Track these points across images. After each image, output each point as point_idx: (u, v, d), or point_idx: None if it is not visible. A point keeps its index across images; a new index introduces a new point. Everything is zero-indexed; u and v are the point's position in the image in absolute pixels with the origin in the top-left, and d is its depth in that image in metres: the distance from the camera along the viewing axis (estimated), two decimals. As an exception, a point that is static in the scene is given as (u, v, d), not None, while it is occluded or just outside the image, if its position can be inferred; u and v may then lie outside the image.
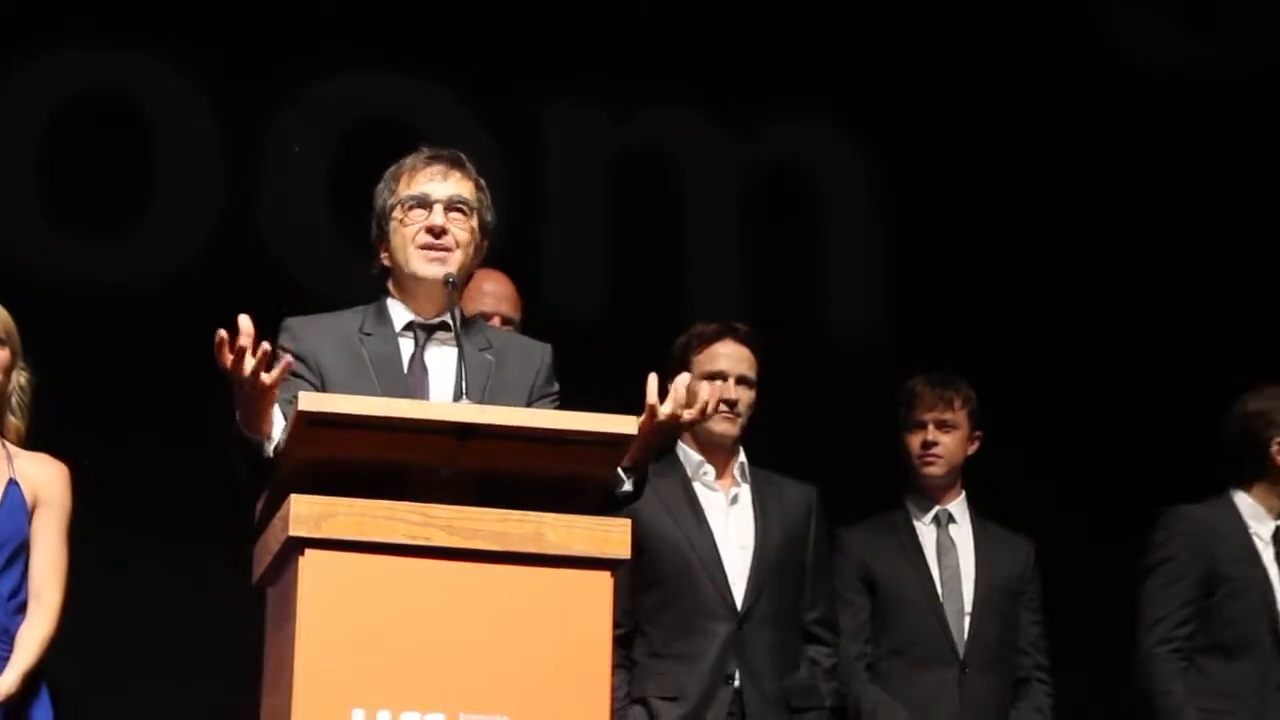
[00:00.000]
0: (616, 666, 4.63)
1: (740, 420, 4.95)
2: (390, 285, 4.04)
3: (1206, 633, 5.19)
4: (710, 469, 4.97)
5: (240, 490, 3.77)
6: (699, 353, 4.96)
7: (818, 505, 5.04)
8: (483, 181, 4.03)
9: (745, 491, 4.98)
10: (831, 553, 5.11)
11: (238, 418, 3.68)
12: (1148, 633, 5.18)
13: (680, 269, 6.08)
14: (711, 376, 4.90)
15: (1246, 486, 5.33)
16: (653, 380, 3.76)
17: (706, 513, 4.94)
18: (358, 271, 4.24)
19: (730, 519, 4.95)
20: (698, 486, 4.97)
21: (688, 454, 4.98)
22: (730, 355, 4.96)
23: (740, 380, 4.94)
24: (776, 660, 4.87)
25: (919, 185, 6.18)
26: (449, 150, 4.04)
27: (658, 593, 4.85)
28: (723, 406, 4.84)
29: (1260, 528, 5.30)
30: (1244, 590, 5.20)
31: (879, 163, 6.24)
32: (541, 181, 5.98)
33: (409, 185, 3.98)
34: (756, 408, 4.97)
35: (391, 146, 4.17)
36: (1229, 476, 5.36)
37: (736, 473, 4.99)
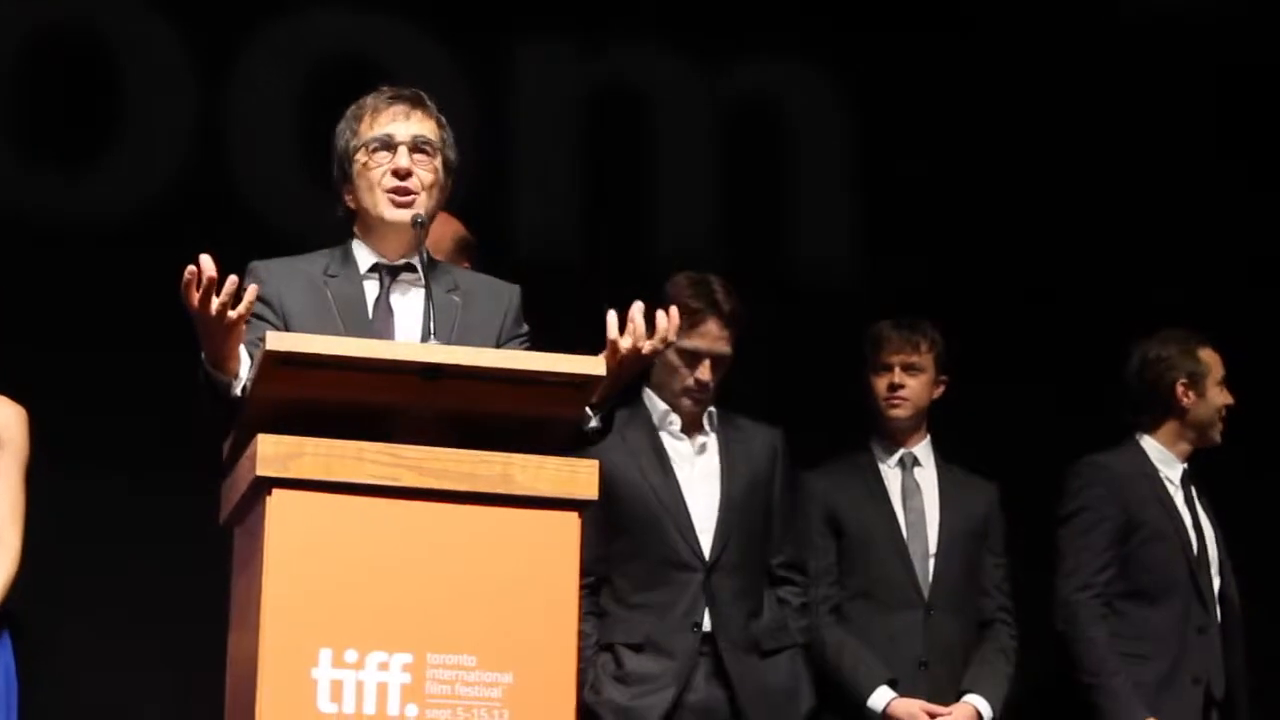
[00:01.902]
0: (586, 614, 4.70)
1: (709, 396, 4.95)
2: (355, 227, 4.02)
3: (1126, 579, 5.25)
4: (676, 419, 4.97)
5: (208, 429, 3.76)
6: (684, 325, 4.95)
7: (783, 448, 5.04)
8: (444, 120, 4.00)
9: (713, 440, 4.99)
10: (797, 495, 5.12)
11: (205, 358, 3.66)
12: (1066, 580, 5.24)
13: (651, 206, 6.06)
14: (691, 353, 4.89)
15: (1153, 431, 5.38)
16: (612, 316, 3.74)
17: (674, 462, 4.95)
18: (325, 207, 4.23)
19: (696, 469, 4.96)
20: (664, 436, 4.97)
21: (654, 402, 4.98)
22: (709, 335, 4.94)
23: (717, 359, 4.94)
24: (745, 606, 4.89)
25: (891, 123, 6.17)
26: (410, 89, 4.02)
27: (626, 541, 4.86)
28: (695, 387, 4.89)
29: (1170, 471, 5.36)
30: (1159, 535, 5.26)
31: (850, 100, 6.22)
32: (511, 119, 5.95)
33: (371, 127, 3.95)
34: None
35: (360, 83, 4.14)
36: (1134, 422, 5.39)
37: (705, 421, 4.99)
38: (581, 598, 3.63)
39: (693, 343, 4.89)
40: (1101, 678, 5.16)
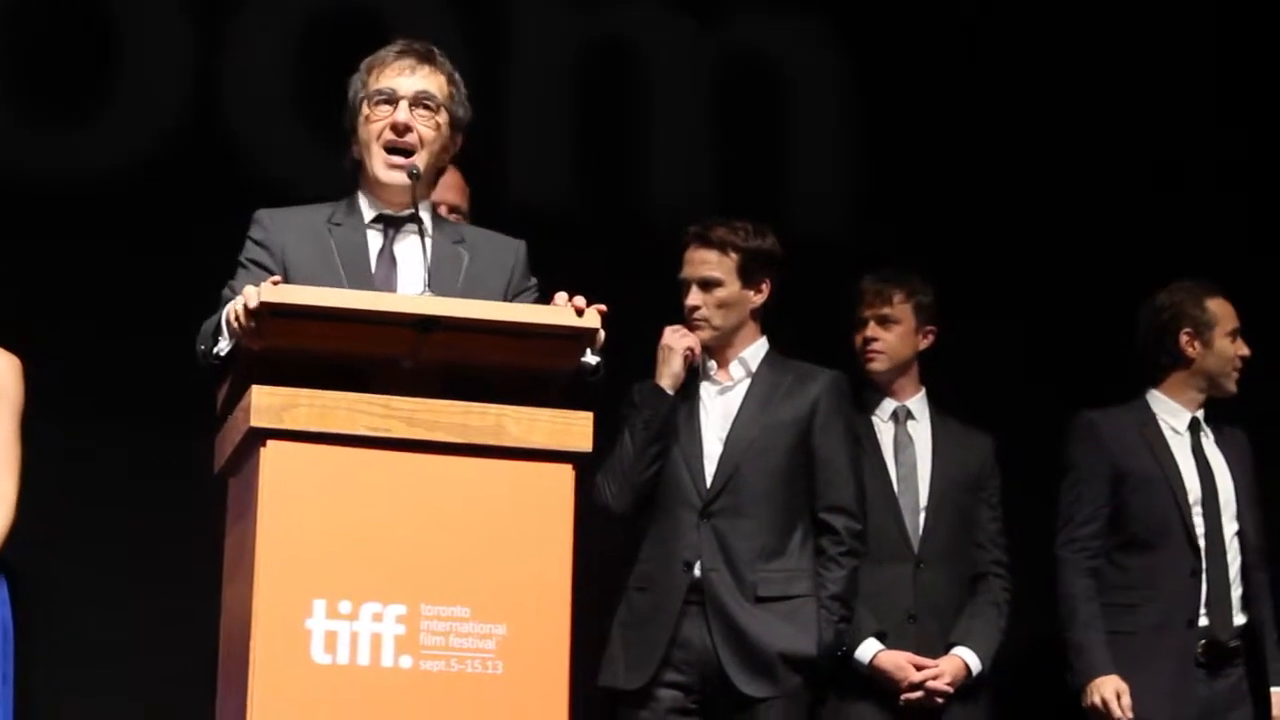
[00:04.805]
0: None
1: (709, 323, 4.98)
2: (360, 178, 4.02)
3: (1120, 531, 5.26)
4: (713, 363, 5.03)
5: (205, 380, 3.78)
6: (680, 261, 5.02)
7: (830, 394, 5.00)
8: (457, 76, 4.00)
9: (744, 383, 5.01)
10: (853, 442, 5.07)
11: (223, 322, 3.67)
12: (1056, 536, 5.26)
13: (646, 161, 6.05)
14: (682, 282, 4.98)
15: (1160, 382, 5.38)
16: (560, 298, 3.73)
17: (702, 404, 5.00)
18: (323, 162, 4.23)
19: (716, 408, 5.00)
20: (703, 381, 5.03)
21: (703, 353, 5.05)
22: (688, 261, 5.00)
23: (702, 284, 4.97)
24: (751, 550, 4.89)
25: (887, 76, 6.15)
26: (421, 43, 4.01)
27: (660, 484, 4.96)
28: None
29: (1176, 421, 5.35)
30: (1149, 484, 5.25)
31: (847, 53, 6.20)
32: (507, 73, 5.93)
33: (378, 79, 3.95)
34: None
35: (357, 36, 4.14)
36: (1144, 377, 5.40)
37: (736, 366, 5.02)
38: (575, 541, 3.62)
39: (681, 273, 4.99)
40: (1072, 631, 5.19)
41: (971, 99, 6.15)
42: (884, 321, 5.27)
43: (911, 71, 6.14)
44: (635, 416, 4.96)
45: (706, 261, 4.98)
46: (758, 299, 5.03)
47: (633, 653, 4.88)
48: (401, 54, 3.97)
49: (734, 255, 4.98)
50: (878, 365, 5.28)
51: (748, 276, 4.99)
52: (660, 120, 6.06)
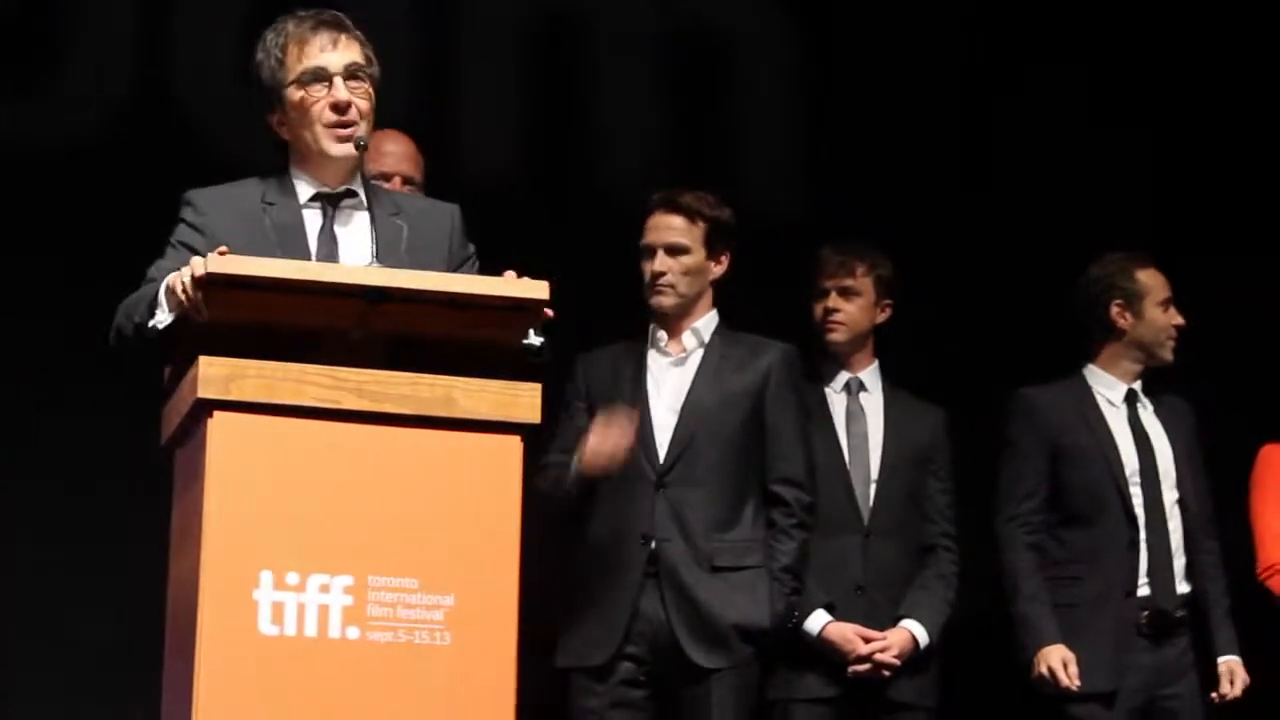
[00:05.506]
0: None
1: (674, 290, 4.98)
2: (290, 158, 3.96)
3: (1060, 506, 5.29)
4: (663, 334, 5.02)
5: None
6: (642, 230, 5.01)
7: (782, 366, 5.01)
8: (364, 36, 3.96)
9: (697, 355, 5.01)
10: (804, 415, 5.08)
11: (157, 301, 3.65)
12: (997, 514, 5.29)
13: (595, 132, 6.05)
14: (644, 251, 4.98)
15: (1096, 355, 5.40)
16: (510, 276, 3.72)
17: (650, 376, 5.00)
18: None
19: (666, 382, 5.00)
20: (651, 352, 5.02)
21: (651, 323, 5.04)
22: (655, 227, 5.00)
23: (669, 250, 4.97)
24: (705, 520, 4.89)
25: (839, 53, 6.16)
26: (328, 12, 3.94)
27: None
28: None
29: (1112, 394, 5.37)
30: (1084, 457, 5.28)
31: (798, 29, 6.21)
32: (458, 44, 5.92)
33: (301, 58, 3.88)
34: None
35: (305, 4, 4.08)
36: (1080, 351, 5.42)
37: (689, 338, 5.02)
38: (522, 512, 3.61)
39: (644, 239, 4.99)
40: (1016, 604, 5.22)
41: (927, 70, 6.15)
42: (846, 293, 5.28)
43: (866, 42, 6.14)
44: (574, 394, 4.96)
45: (674, 227, 4.98)
46: (717, 270, 5.04)
47: (591, 629, 4.87)
48: (317, 28, 3.90)
49: (701, 224, 4.99)
50: (838, 336, 5.29)
51: (711, 246, 5.01)
52: (609, 89, 6.05)
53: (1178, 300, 5.40)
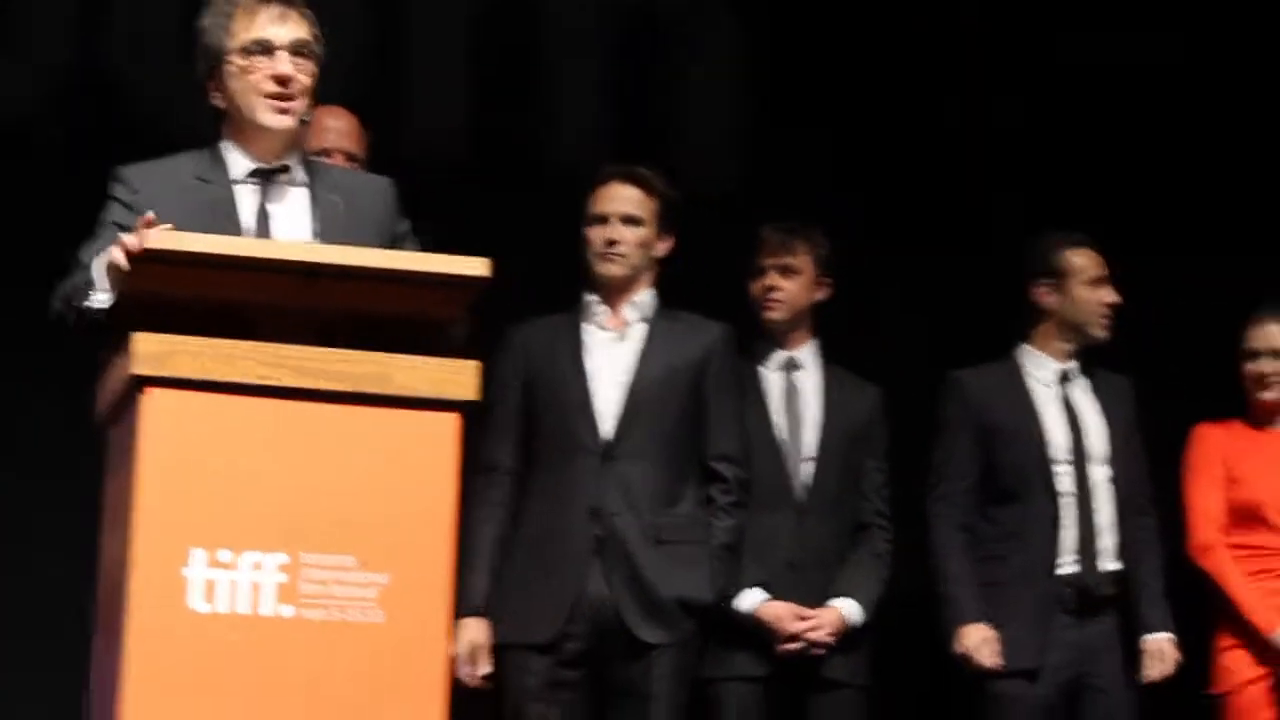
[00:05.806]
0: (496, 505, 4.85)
1: (627, 260, 4.99)
2: (225, 128, 3.95)
3: (991, 486, 5.33)
4: (603, 309, 5.02)
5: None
6: (591, 199, 5.02)
7: (722, 342, 5.05)
8: (313, 16, 3.95)
9: (638, 330, 5.02)
10: (740, 393, 5.11)
11: (93, 276, 3.62)
12: (928, 494, 5.33)
13: (543, 107, 6.04)
14: (596, 219, 4.99)
15: (1028, 336, 5.44)
16: None
17: (588, 350, 5.00)
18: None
19: (610, 356, 5.00)
20: (588, 326, 5.02)
21: (587, 296, 5.03)
22: (611, 197, 5.01)
23: (625, 220, 4.98)
24: (652, 494, 4.91)
25: (783, 29, 6.16)
26: None
27: (537, 429, 4.95)
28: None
29: (1042, 373, 5.41)
30: (1013, 437, 5.32)
31: (744, 4, 6.22)
32: (408, 20, 5.90)
33: (248, 29, 3.86)
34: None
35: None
36: (1015, 331, 5.46)
37: (630, 312, 5.02)
38: (460, 490, 3.61)
39: (596, 208, 5.00)
40: (940, 584, 5.27)
41: (873, 46, 6.16)
42: (785, 271, 5.29)
43: (810, 19, 6.14)
44: (510, 368, 4.96)
45: (631, 199, 5.00)
46: (662, 248, 5.06)
47: (536, 605, 4.87)
48: (268, 0, 3.89)
49: (655, 200, 5.01)
50: (777, 314, 5.30)
51: (661, 223, 5.03)
52: (556, 63, 6.04)
53: (1115, 280, 5.43)
